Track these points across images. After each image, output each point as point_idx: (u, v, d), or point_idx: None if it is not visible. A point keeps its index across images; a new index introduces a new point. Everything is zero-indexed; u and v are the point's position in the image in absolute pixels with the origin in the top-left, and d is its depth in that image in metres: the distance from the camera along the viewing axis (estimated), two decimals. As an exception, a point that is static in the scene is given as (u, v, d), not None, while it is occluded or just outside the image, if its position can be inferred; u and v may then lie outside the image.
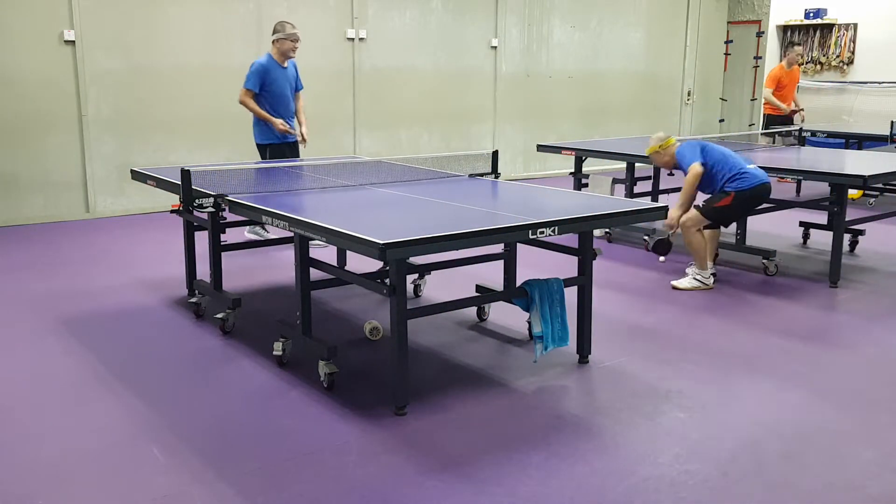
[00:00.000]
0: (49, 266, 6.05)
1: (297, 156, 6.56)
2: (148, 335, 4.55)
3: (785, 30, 12.44)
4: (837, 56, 11.87)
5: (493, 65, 10.59)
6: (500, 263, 4.65)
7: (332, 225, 3.38)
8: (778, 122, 9.78)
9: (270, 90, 6.45)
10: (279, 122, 6.40)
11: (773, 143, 9.18)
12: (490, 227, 3.38)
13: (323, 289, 4.43)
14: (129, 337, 4.52)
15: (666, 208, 4.01)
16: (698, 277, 5.48)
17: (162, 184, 5.08)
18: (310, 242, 3.88)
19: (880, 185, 8.06)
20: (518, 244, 4.41)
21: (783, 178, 7.37)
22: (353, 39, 9.29)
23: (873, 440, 3.26)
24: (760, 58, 12.77)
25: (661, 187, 6.81)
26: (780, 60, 10.14)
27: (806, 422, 3.43)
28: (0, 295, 5.28)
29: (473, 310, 4.77)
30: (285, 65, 6.51)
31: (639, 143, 7.48)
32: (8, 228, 7.43)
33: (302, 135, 6.58)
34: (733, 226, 6.34)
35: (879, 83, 11.43)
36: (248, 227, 6.22)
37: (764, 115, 10.20)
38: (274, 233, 6.03)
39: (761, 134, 9.24)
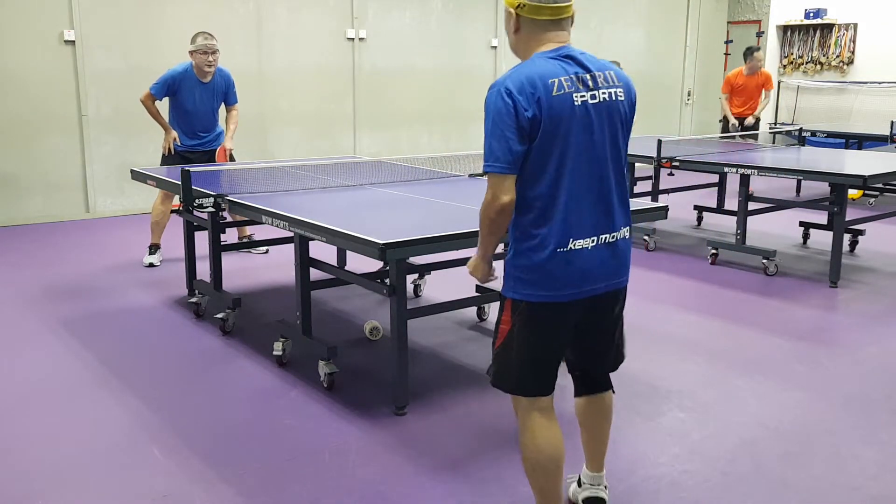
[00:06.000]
0: (49, 266, 6.05)
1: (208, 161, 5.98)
2: (148, 335, 4.55)
3: (785, 30, 12.44)
4: (837, 56, 11.87)
5: (493, 65, 10.59)
6: (500, 263, 4.64)
7: (332, 225, 3.38)
8: (725, 128, 9.26)
9: (180, 104, 5.91)
10: (171, 135, 5.93)
11: (774, 142, 9.10)
12: (490, 227, 3.37)
13: (323, 289, 4.43)
14: (128, 337, 4.52)
15: (666, 208, 3.98)
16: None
17: (162, 184, 5.08)
18: None
19: (880, 185, 8.07)
20: (518, 244, 4.40)
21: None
22: (353, 39, 9.28)
23: (873, 440, 3.26)
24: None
25: (661, 187, 6.81)
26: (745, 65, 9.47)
27: (806, 422, 3.43)
28: (0, 295, 5.28)
29: (473, 310, 4.77)
30: (206, 79, 5.88)
31: (639, 143, 7.49)
32: (8, 228, 7.43)
33: (227, 149, 6.06)
34: (732, 224, 6.34)
35: (879, 83, 11.43)
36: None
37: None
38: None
39: (720, 138, 8.73)
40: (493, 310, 4.78)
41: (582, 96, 2.28)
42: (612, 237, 2.38)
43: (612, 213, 2.38)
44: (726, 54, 13.11)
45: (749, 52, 9.23)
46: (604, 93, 2.32)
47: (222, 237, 4.66)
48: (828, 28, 11.93)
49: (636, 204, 4.10)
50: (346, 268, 5.22)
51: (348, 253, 5.45)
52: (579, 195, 2.30)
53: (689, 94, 12.81)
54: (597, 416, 2.66)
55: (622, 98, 2.37)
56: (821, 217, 6.59)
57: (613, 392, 2.69)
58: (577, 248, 2.30)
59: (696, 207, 7.66)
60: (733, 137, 8.71)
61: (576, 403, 2.70)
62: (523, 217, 2.31)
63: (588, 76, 2.31)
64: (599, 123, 2.32)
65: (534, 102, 2.22)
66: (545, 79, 2.24)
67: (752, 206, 6.08)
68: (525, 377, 2.43)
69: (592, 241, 2.33)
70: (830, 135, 9.40)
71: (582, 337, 2.51)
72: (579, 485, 2.77)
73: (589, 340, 2.55)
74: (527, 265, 2.33)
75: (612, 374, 2.69)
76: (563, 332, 2.43)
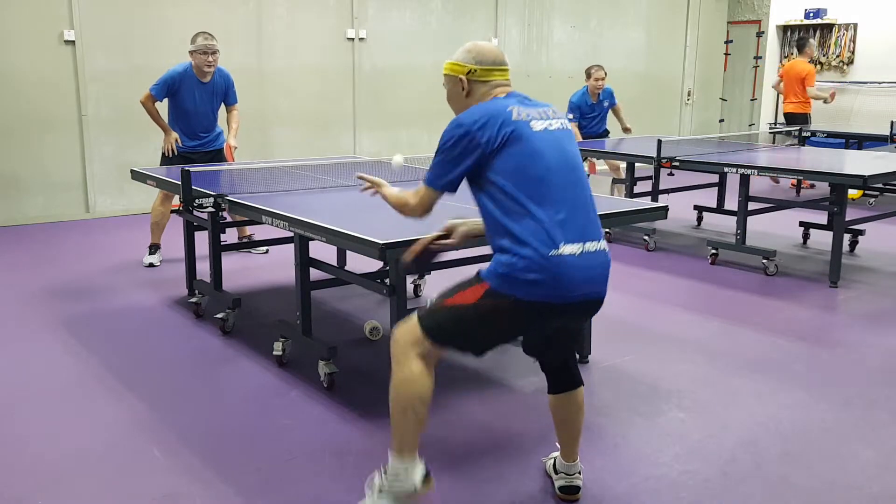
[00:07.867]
0: (49, 266, 6.05)
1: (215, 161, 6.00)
2: (148, 335, 4.55)
3: (785, 30, 12.44)
4: (837, 56, 11.87)
5: (493, 65, 10.58)
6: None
7: (332, 225, 3.38)
8: (800, 120, 9.66)
9: (180, 105, 5.89)
10: (172, 137, 5.91)
11: (774, 142, 9.16)
12: (490, 227, 3.37)
13: (323, 289, 4.43)
14: (129, 337, 4.52)
15: (666, 208, 3.98)
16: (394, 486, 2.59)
17: (162, 184, 5.08)
18: None
19: (880, 185, 8.07)
20: (518, 244, 4.40)
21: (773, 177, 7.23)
22: (353, 39, 9.29)
23: (873, 440, 3.26)
24: (760, 58, 12.76)
25: (661, 187, 6.81)
26: (784, 58, 10.02)
27: (806, 422, 3.43)
28: (0, 294, 5.28)
29: (473, 310, 4.76)
30: (206, 79, 5.86)
31: (639, 143, 7.50)
32: (8, 228, 7.43)
33: (232, 146, 6.06)
34: (732, 224, 6.33)
35: (879, 83, 11.43)
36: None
37: (785, 114, 10.01)
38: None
39: (785, 133, 9.20)
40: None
41: (541, 123, 2.52)
42: (595, 246, 2.49)
43: (594, 222, 2.53)
44: (726, 54, 13.11)
45: (805, 41, 9.62)
46: (556, 122, 2.58)
47: (222, 237, 4.66)
48: (828, 28, 11.92)
49: (636, 204, 4.10)
50: (346, 268, 5.22)
51: (348, 253, 5.45)
52: (565, 203, 2.45)
53: (689, 94, 12.80)
54: (570, 411, 2.79)
55: (569, 128, 2.64)
56: (821, 217, 6.59)
57: (583, 386, 2.82)
58: (567, 252, 2.40)
59: (696, 207, 7.66)
60: (812, 134, 9.02)
61: (549, 399, 2.82)
62: (517, 224, 2.42)
63: (538, 110, 2.57)
64: (567, 142, 2.56)
65: (496, 127, 2.44)
66: (504, 108, 2.50)
67: (752, 206, 6.08)
68: (463, 342, 2.58)
69: (580, 246, 2.44)
70: (830, 135, 9.41)
71: (545, 333, 2.70)
72: (555, 471, 2.86)
73: (550, 337, 2.73)
74: (520, 267, 2.39)
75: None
76: (530, 328, 2.59)
